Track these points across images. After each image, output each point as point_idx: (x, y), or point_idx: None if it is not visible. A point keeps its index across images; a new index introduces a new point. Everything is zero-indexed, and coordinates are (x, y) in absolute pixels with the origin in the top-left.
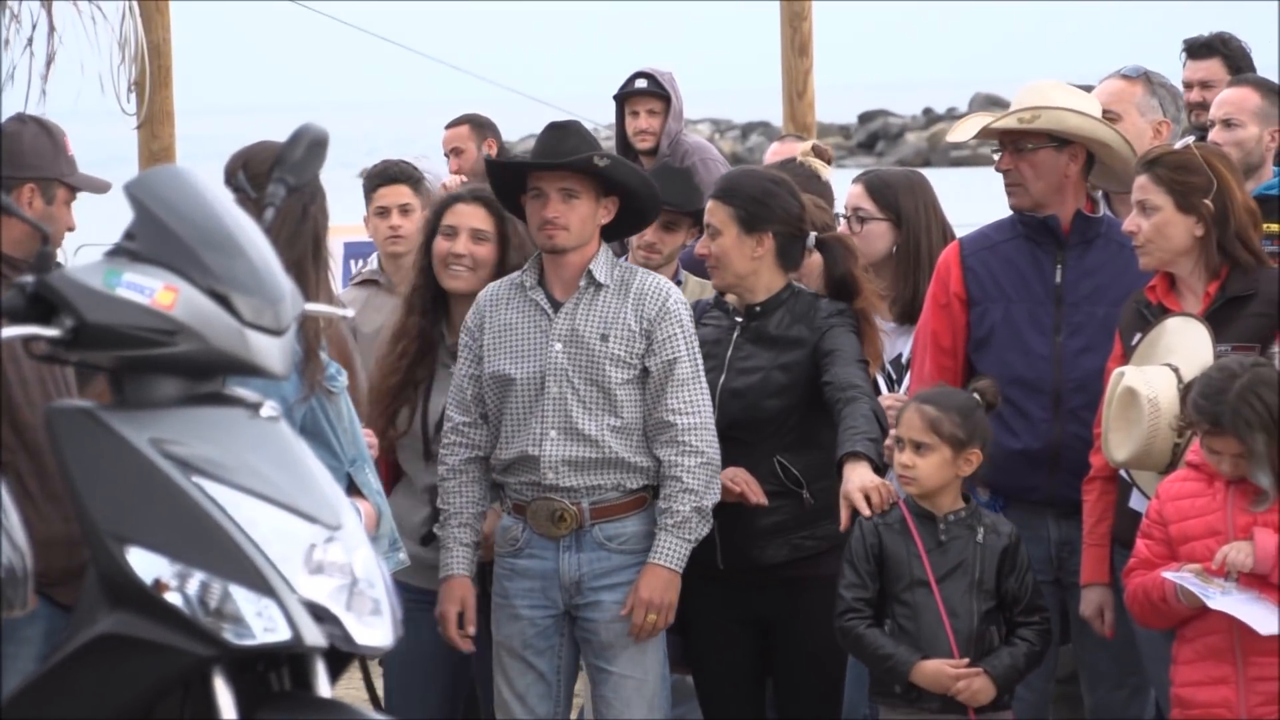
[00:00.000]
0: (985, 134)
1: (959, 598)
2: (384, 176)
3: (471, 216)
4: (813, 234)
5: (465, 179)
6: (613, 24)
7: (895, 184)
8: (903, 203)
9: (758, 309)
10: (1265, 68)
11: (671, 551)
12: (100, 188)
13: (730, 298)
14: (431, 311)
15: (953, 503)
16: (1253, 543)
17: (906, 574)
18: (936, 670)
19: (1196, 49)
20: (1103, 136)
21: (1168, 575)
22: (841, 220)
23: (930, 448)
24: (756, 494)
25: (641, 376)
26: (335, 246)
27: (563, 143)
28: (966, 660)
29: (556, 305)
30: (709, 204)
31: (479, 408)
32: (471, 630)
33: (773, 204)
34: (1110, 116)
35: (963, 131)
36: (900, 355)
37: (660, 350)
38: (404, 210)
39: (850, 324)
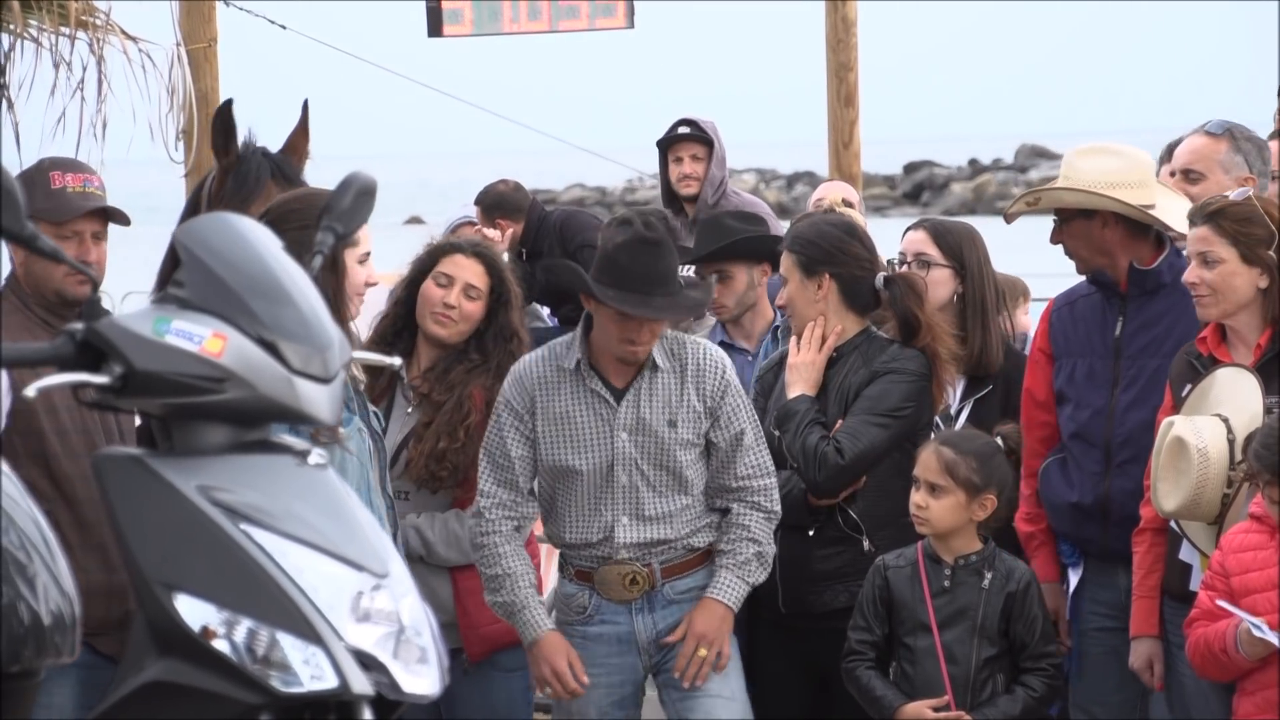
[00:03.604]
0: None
1: (960, 644)
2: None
3: (469, 271)
4: (880, 274)
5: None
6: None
7: (958, 233)
8: (965, 253)
9: (834, 354)
10: (1265, 68)
11: (730, 589)
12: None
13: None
14: (394, 347)
15: (965, 546)
16: None
17: (912, 618)
18: (916, 712)
19: None
20: (1103, 207)
21: (1225, 605)
22: (904, 265)
23: (945, 490)
24: None
25: (706, 449)
26: (380, 294)
27: (658, 263)
28: (948, 702)
29: (615, 391)
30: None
31: (527, 485)
32: (585, 679)
33: (825, 244)
34: (1194, 176)
35: (1009, 214)
36: (949, 406)
37: (726, 426)
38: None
39: (907, 372)
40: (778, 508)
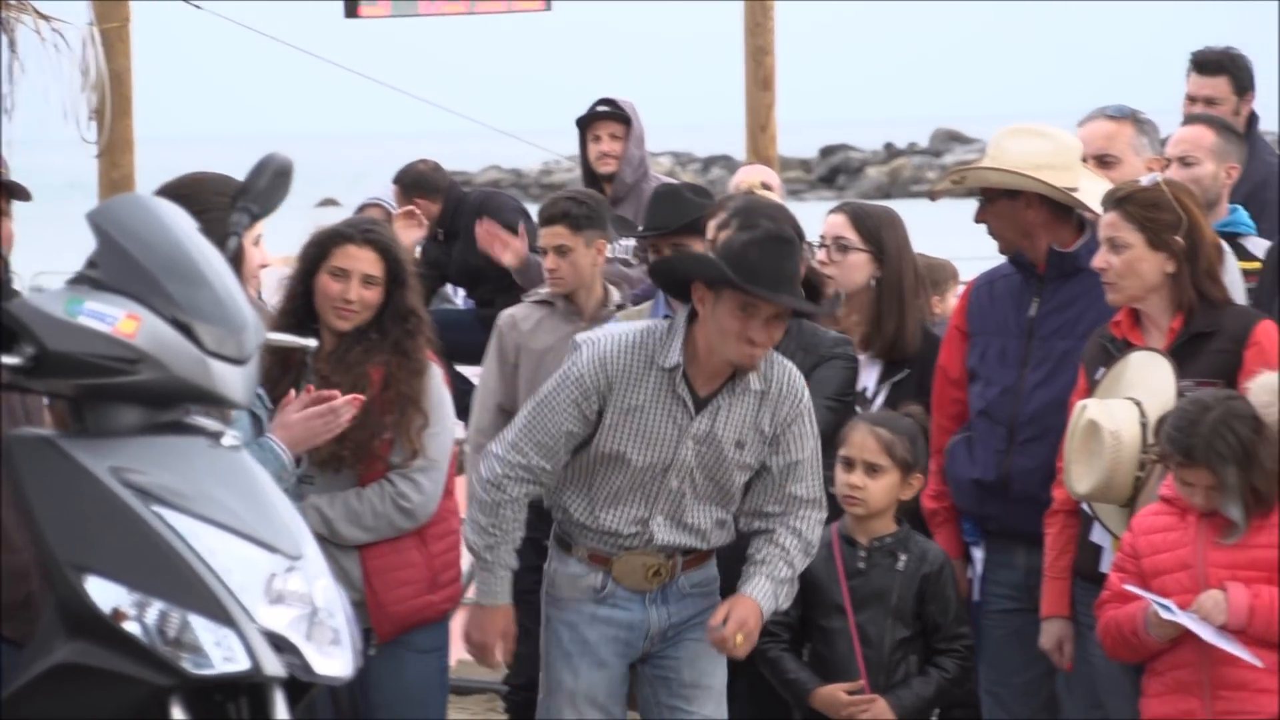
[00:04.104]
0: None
1: (874, 625)
2: (543, 216)
3: (363, 261)
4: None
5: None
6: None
7: (878, 217)
8: (884, 236)
9: None
10: (1266, 68)
11: (765, 595)
12: None
13: None
14: (296, 334)
15: (883, 527)
16: (1226, 595)
17: (826, 600)
18: (831, 695)
19: (1206, 65)
20: (1027, 188)
21: (1133, 589)
22: (819, 249)
23: (883, 470)
24: None
25: (760, 472)
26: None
27: (789, 262)
28: (863, 685)
29: (697, 400)
30: None
31: (562, 460)
32: (505, 658)
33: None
34: (1110, 160)
35: (934, 193)
36: (866, 389)
37: (784, 453)
38: (560, 251)
39: (848, 357)
40: (817, 541)
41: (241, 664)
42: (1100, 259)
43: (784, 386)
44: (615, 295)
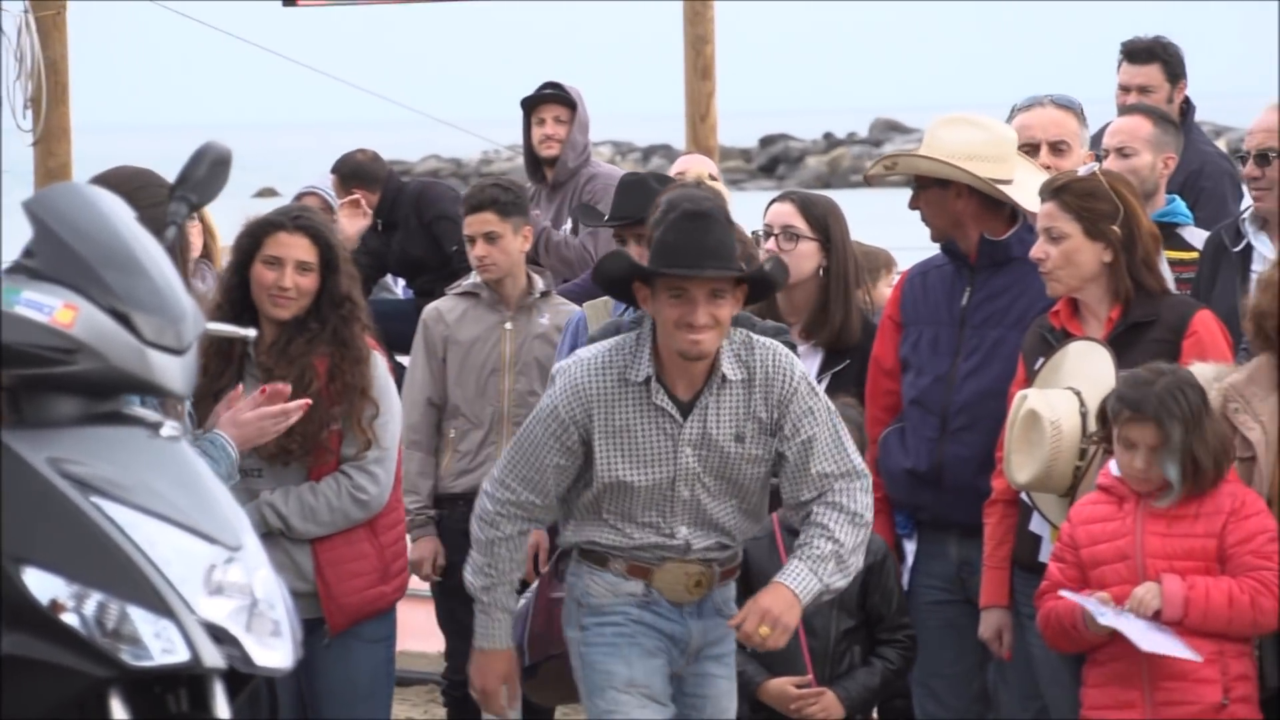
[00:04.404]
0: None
1: (819, 615)
2: (470, 204)
3: (295, 248)
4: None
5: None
6: (517, 46)
7: (823, 206)
8: (831, 226)
9: None
10: (1266, 68)
11: (799, 577)
12: None
13: None
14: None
15: None
16: (1160, 587)
17: None
18: (780, 689)
19: (1136, 54)
20: (955, 178)
21: (1067, 595)
22: (767, 238)
23: None
24: None
25: (776, 462)
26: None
27: (708, 236)
28: (811, 679)
29: (681, 406)
30: None
31: (555, 492)
32: (515, 713)
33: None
34: (1062, 147)
35: (869, 176)
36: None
37: (793, 435)
38: (489, 238)
39: (792, 350)
40: (864, 510)
41: (181, 655)
42: (1038, 249)
43: (770, 368)
44: (540, 283)
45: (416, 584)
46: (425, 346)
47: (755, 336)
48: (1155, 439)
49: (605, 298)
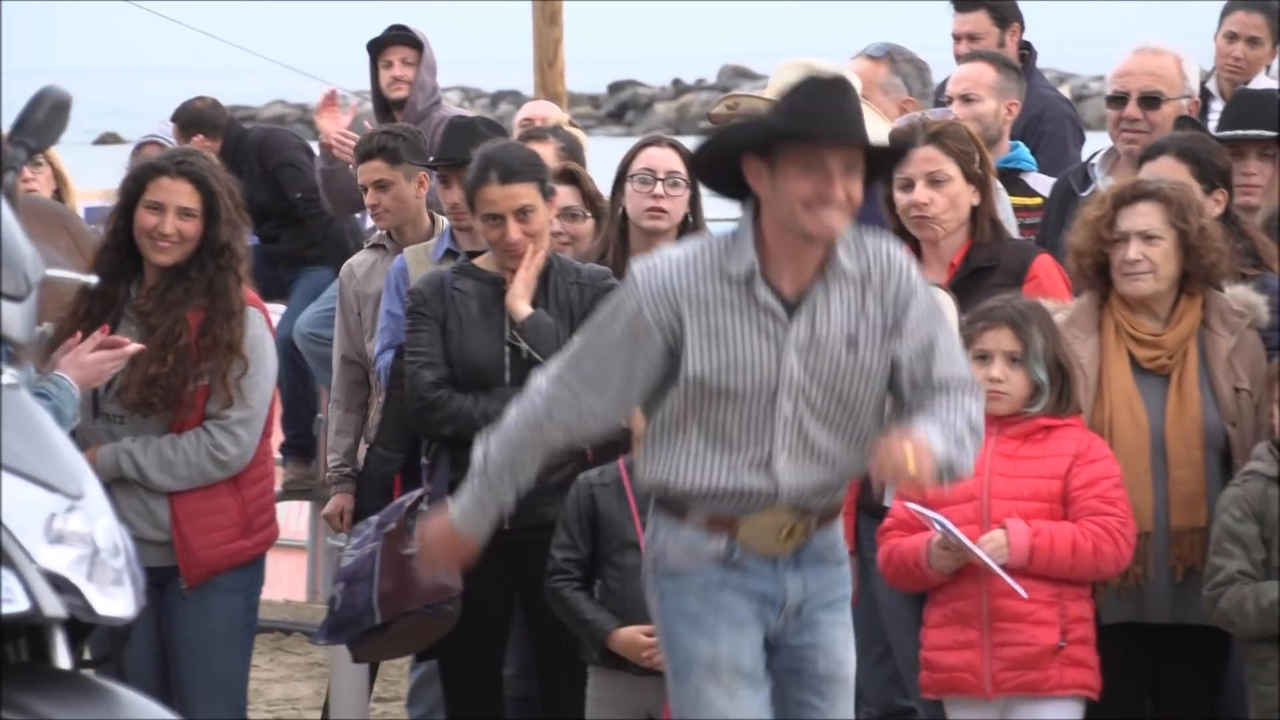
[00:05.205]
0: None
1: None
2: (359, 152)
3: (178, 193)
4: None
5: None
6: None
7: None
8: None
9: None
10: (1105, 15)
11: (931, 432)
12: None
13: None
14: (121, 277)
15: None
16: (1006, 535)
17: (619, 535)
18: (630, 638)
19: (963, 1)
20: None
21: (915, 508)
22: (658, 183)
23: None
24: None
25: (891, 375)
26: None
27: (846, 104)
28: None
29: (786, 304)
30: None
31: (620, 410)
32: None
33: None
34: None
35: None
36: None
37: (914, 335)
38: (380, 186)
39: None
40: (981, 424)
41: (20, 605)
42: (921, 194)
43: (884, 265)
44: (444, 224)
45: (287, 534)
46: (341, 305)
47: (860, 234)
48: (1012, 343)
49: (427, 243)
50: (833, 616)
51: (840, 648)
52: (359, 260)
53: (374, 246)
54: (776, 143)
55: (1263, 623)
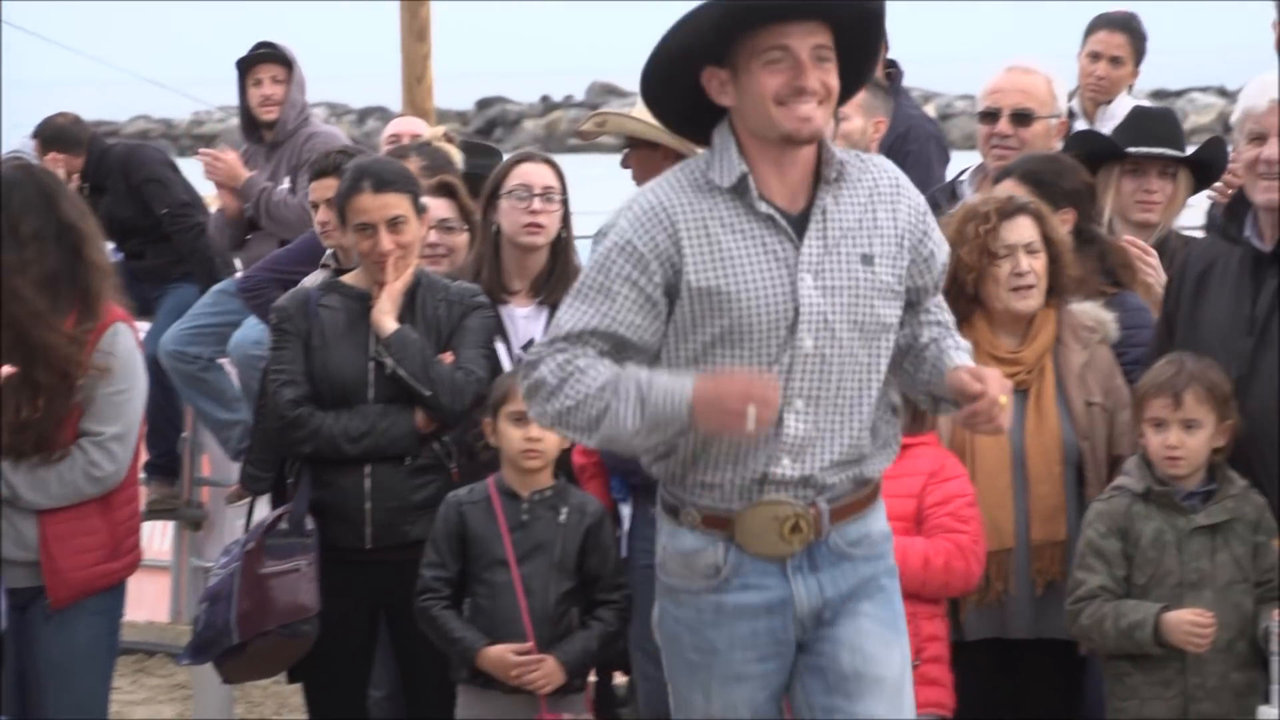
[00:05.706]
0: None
1: (538, 578)
2: (314, 170)
3: None
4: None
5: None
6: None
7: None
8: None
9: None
10: (971, 34)
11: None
12: None
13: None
14: None
15: (544, 480)
16: None
17: (488, 554)
18: (499, 657)
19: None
20: (660, 140)
21: None
22: (534, 199)
23: None
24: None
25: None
26: None
27: None
28: (531, 646)
29: (790, 219)
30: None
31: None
32: None
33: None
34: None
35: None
36: (534, 340)
37: (930, 267)
38: (331, 204)
39: (489, 307)
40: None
41: None
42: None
43: (891, 176)
44: None
45: (150, 555)
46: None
47: (858, 152)
48: None
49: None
50: (865, 606)
51: (872, 641)
52: (309, 281)
53: (323, 266)
54: (732, 41)
55: (1120, 643)
